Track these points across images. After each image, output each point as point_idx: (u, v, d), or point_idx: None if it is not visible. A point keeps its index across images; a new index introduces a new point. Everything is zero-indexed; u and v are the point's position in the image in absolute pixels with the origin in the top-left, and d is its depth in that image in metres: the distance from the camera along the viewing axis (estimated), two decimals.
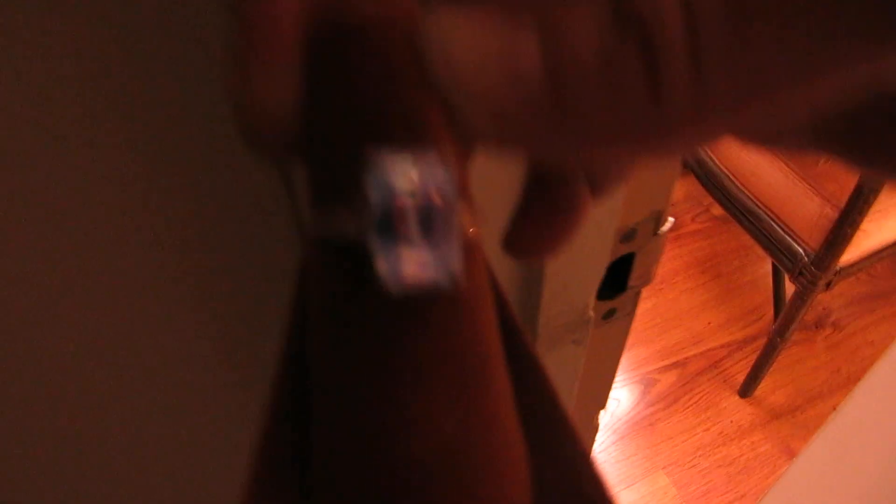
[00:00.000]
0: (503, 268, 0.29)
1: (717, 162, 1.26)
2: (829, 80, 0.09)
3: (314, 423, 0.13)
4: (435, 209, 0.10)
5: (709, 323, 1.51)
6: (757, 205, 1.19)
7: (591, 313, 0.34)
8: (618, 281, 0.36)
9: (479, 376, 0.12)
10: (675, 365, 1.45)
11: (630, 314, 0.39)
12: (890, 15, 0.08)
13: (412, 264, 0.10)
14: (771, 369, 1.37)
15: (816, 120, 0.11)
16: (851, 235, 1.03)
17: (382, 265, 0.10)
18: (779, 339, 1.24)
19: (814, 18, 0.08)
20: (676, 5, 0.09)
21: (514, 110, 0.10)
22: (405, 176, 0.10)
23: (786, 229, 1.14)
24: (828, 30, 0.08)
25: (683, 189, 1.65)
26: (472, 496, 0.12)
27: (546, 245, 0.16)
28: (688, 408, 1.39)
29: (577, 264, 0.30)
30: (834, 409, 1.38)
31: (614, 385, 1.52)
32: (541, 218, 0.16)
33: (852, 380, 1.41)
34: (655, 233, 0.34)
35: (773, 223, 1.16)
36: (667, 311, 1.53)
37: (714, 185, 1.27)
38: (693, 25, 0.09)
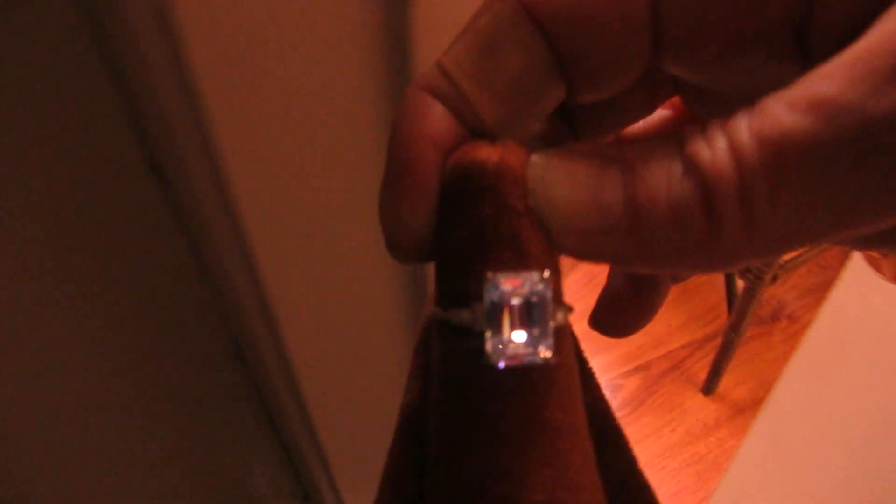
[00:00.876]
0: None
1: None
2: (863, 226, 0.11)
3: (427, 478, 0.16)
4: (533, 308, 0.14)
5: (669, 324, 1.53)
6: None
7: None
8: None
9: (569, 444, 0.15)
10: (638, 369, 1.47)
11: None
12: None
13: (513, 348, 0.14)
14: (731, 365, 1.40)
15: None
16: None
17: (490, 347, 0.14)
18: (734, 336, 1.27)
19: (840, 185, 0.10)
20: (731, 163, 0.11)
21: (597, 235, 0.13)
22: (512, 284, 0.13)
23: None
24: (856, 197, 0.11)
25: None
26: None
27: (629, 325, 0.19)
28: (653, 410, 1.41)
29: None
30: None
31: None
32: (627, 301, 0.19)
33: None
34: None
35: None
36: None
37: None
38: (745, 179, 0.11)
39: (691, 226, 0.12)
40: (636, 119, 0.18)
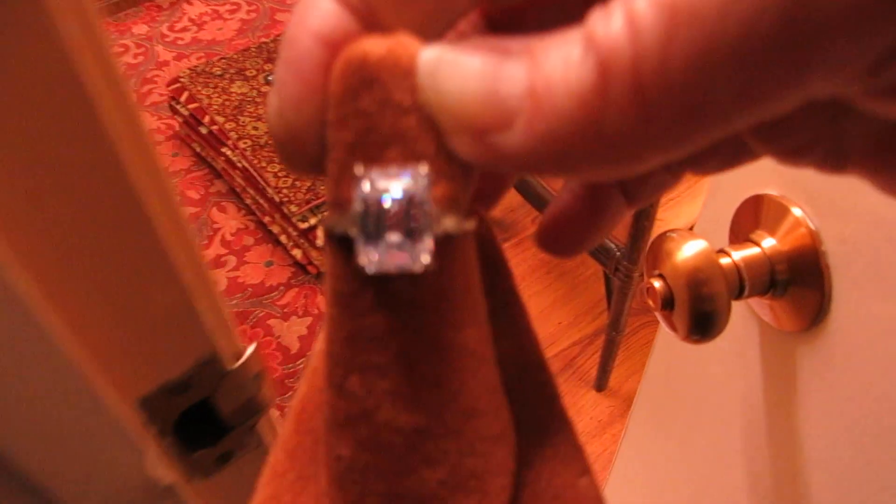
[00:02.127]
0: None
1: None
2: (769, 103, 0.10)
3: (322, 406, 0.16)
4: (412, 210, 0.12)
5: (559, 323, 1.52)
6: None
7: (171, 478, 0.29)
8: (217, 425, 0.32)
9: (461, 364, 0.14)
10: None
11: (260, 445, 0.34)
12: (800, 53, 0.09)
13: (388, 255, 0.13)
14: (620, 358, 1.39)
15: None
16: (650, 227, 1.05)
17: (362, 255, 0.13)
18: (614, 333, 1.25)
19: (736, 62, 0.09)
20: (625, 34, 0.10)
21: (493, 133, 0.12)
22: (390, 184, 0.12)
23: None
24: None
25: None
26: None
27: (576, 243, 0.18)
28: None
29: (87, 454, 0.25)
30: None
31: None
32: (574, 215, 0.18)
33: None
34: (226, 371, 0.30)
35: None
36: None
37: (529, 192, 1.27)
38: (637, 49, 0.10)
39: (586, 110, 0.11)
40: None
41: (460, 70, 0.12)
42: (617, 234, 1.12)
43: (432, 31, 0.14)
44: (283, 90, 0.13)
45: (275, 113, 0.14)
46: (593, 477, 0.18)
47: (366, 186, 0.13)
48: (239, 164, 1.64)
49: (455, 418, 0.14)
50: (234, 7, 2.43)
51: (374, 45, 0.13)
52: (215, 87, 1.78)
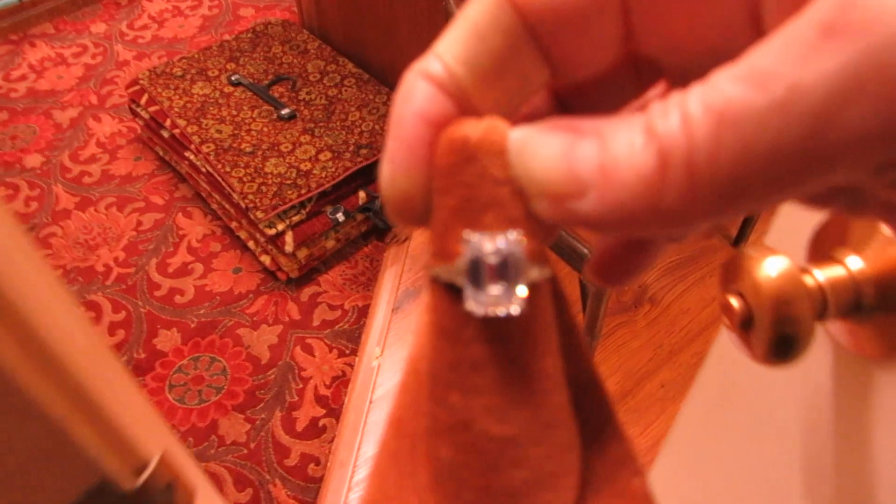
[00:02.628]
0: None
1: None
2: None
3: (424, 417, 0.19)
4: (508, 264, 0.15)
5: None
6: None
7: None
8: None
9: (544, 387, 0.18)
10: None
11: None
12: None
13: (490, 300, 0.16)
14: (600, 359, 1.37)
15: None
16: None
17: (469, 301, 0.16)
18: (590, 338, 1.23)
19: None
20: (682, 131, 0.12)
21: (569, 200, 0.14)
22: (492, 245, 0.15)
23: (568, 232, 1.12)
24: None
25: None
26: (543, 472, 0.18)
27: (621, 277, 0.20)
28: None
29: None
30: (662, 386, 1.41)
31: None
32: (618, 255, 0.20)
33: (674, 352, 1.44)
34: (125, 493, 0.26)
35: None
36: None
37: None
38: (691, 145, 0.12)
39: (648, 189, 0.13)
40: (626, 103, 0.19)
41: (543, 149, 0.15)
42: (589, 238, 1.10)
43: (512, 107, 0.17)
44: (395, 161, 0.16)
45: (388, 179, 0.16)
46: (645, 478, 0.21)
47: (472, 246, 0.15)
48: (203, 169, 1.59)
49: (537, 429, 0.17)
50: (196, 2, 2.36)
51: (473, 128, 0.15)
52: (176, 89, 1.73)
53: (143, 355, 1.43)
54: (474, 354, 0.17)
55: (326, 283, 1.58)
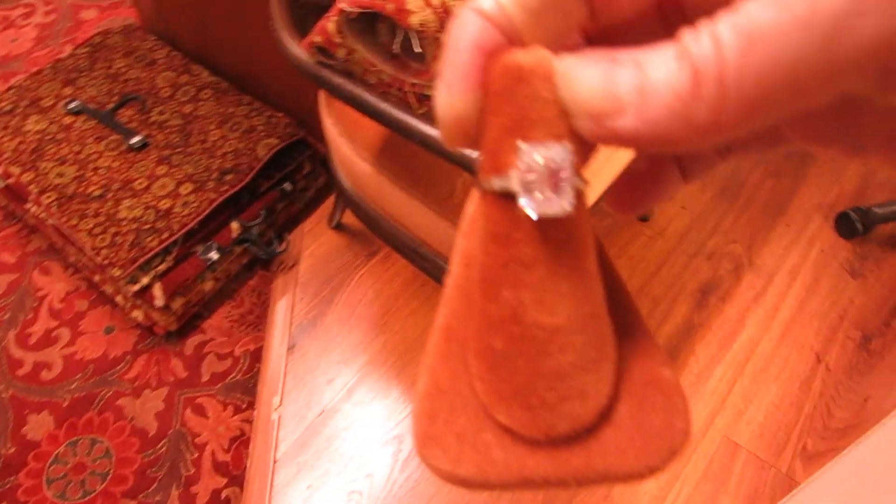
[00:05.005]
0: None
1: (375, 206, 1.09)
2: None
3: (472, 313, 0.22)
4: (557, 174, 0.17)
5: None
6: (415, 241, 1.05)
7: None
8: None
9: (585, 282, 0.20)
10: None
11: None
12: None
13: (542, 203, 0.18)
14: None
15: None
16: None
17: (526, 205, 0.18)
18: None
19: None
20: (713, 51, 0.14)
21: (610, 118, 0.16)
22: (541, 153, 0.17)
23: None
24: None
25: None
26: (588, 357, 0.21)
27: (639, 204, 0.24)
28: None
29: None
30: None
31: (366, 458, 1.35)
32: (636, 183, 0.23)
33: None
34: None
35: (433, 256, 1.03)
36: (400, 346, 1.39)
37: (376, 227, 1.11)
38: (721, 62, 0.14)
39: (683, 104, 0.15)
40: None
41: (586, 74, 0.16)
42: None
43: (553, 44, 0.18)
44: (452, 87, 0.18)
45: (445, 104, 0.18)
46: (673, 368, 0.23)
47: (529, 154, 0.17)
48: (48, 222, 1.40)
49: (581, 319, 0.20)
50: (28, 10, 2.07)
51: (525, 56, 0.17)
52: (6, 129, 1.50)
53: (12, 449, 1.27)
54: (525, 254, 0.19)
55: (211, 328, 1.43)
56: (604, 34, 0.20)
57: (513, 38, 0.18)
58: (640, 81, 0.15)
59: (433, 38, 0.75)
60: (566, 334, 0.20)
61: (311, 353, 1.37)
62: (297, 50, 0.86)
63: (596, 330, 0.21)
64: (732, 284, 1.46)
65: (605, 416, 0.22)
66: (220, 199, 1.40)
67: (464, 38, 0.17)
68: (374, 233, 1.12)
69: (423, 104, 0.83)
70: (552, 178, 0.17)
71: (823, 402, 1.30)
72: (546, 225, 0.18)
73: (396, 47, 0.75)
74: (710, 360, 1.35)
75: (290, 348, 1.37)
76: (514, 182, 0.18)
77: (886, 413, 1.28)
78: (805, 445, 1.24)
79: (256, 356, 1.39)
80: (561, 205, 0.17)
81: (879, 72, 0.14)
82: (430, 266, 1.06)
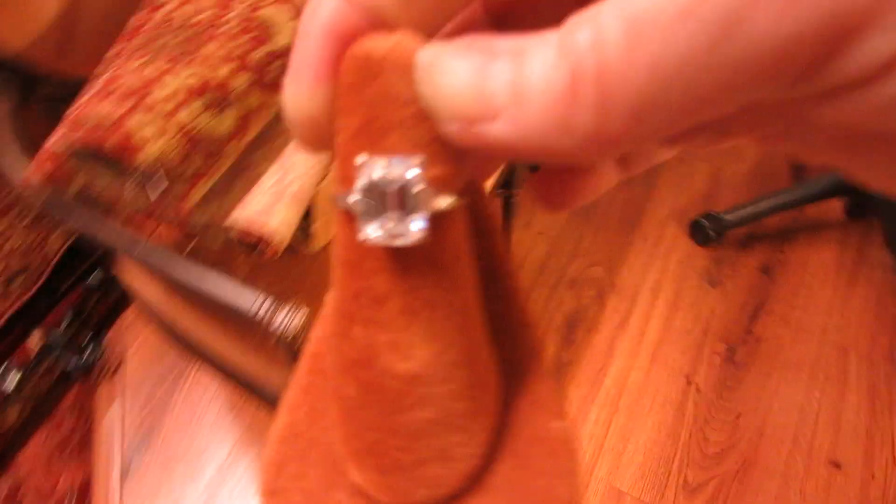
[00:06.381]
0: None
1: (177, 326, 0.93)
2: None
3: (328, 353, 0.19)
4: (408, 191, 0.14)
5: None
6: (227, 364, 0.90)
7: None
8: None
9: (454, 323, 0.17)
10: None
11: None
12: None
13: (386, 230, 0.15)
14: None
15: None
16: None
17: (363, 229, 0.15)
18: None
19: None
20: (594, 43, 0.11)
21: (479, 123, 0.13)
22: (389, 170, 0.14)
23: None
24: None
25: None
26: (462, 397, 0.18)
27: (561, 203, 0.20)
28: None
29: None
30: None
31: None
32: (566, 176, 0.19)
33: None
34: None
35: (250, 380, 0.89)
36: (257, 440, 1.24)
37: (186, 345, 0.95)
38: (602, 57, 0.11)
39: (558, 109, 0.12)
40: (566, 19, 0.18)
41: (453, 67, 0.13)
42: None
43: (433, 26, 0.15)
44: (298, 81, 0.15)
45: (291, 101, 0.15)
46: (567, 422, 0.20)
47: (368, 171, 0.14)
48: None
49: (445, 368, 0.17)
50: None
51: (378, 43, 0.14)
52: None
53: None
54: (377, 286, 0.16)
55: (27, 462, 1.22)
56: (512, 5, 0.17)
57: (377, 19, 0.14)
58: (515, 78, 0.12)
59: (179, 170, 0.60)
60: (425, 385, 0.17)
61: (150, 475, 1.19)
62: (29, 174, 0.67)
63: (468, 378, 0.18)
64: (597, 312, 1.41)
65: (476, 480, 0.19)
66: (11, 311, 1.18)
67: (315, 20, 0.15)
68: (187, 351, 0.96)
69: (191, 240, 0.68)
70: (397, 199, 0.15)
71: (698, 426, 1.28)
72: (402, 253, 0.16)
73: (129, 191, 0.59)
74: (583, 402, 1.30)
75: (126, 474, 1.19)
76: (354, 203, 0.15)
77: (758, 428, 1.28)
78: (686, 478, 1.22)
79: (85, 489, 1.20)
80: (407, 231, 0.15)
81: (797, 77, 0.11)
82: (255, 388, 0.92)
